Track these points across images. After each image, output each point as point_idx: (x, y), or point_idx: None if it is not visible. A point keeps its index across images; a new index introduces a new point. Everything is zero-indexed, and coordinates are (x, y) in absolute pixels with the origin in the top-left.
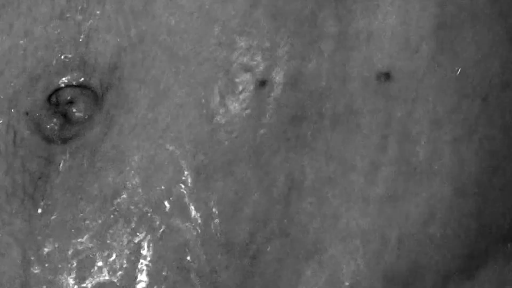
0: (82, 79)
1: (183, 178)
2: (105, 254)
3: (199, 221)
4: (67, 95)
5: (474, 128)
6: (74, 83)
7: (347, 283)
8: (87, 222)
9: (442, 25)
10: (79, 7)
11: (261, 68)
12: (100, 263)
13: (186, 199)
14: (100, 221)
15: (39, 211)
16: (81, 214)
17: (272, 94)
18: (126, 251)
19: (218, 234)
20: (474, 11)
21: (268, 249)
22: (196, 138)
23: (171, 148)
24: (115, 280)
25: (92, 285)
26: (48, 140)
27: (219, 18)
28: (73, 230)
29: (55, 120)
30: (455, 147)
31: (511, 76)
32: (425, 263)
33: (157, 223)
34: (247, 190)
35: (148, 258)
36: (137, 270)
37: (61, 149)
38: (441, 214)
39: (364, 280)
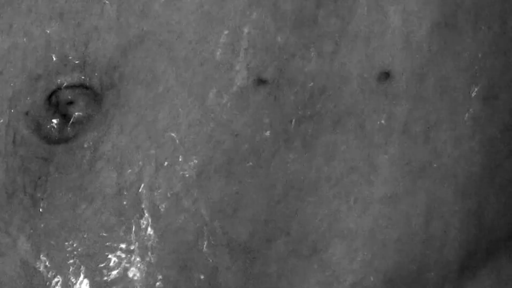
0: (82, 79)
1: (183, 178)
2: (105, 254)
3: (200, 221)
4: (67, 95)
5: (474, 128)
6: (74, 83)
7: (347, 283)
8: (87, 222)
9: (442, 25)
10: (79, 7)
11: (261, 68)
12: (100, 264)
13: (187, 199)
14: (100, 221)
15: (39, 211)
16: (81, 214)
17: (272, 93)
18: (126, 251)
19: (218, 235)
20: (474, 11)
21: (269, 249)
22: (196, 138)
23: (171, 148)
24: (116, 280)
25: (92, 285)
26: (48, 140)
27: (219, 18)
28: (73, 230)
29: (55, 120)
30: (455, 147)
31: (511, 76)
32: (426, 263)
33: (158, 223)
34: (247, 190)
35: (149, 258)
36: (138, 270)
37: (61, 149)
38: (441, 214)
39: (365, 280)
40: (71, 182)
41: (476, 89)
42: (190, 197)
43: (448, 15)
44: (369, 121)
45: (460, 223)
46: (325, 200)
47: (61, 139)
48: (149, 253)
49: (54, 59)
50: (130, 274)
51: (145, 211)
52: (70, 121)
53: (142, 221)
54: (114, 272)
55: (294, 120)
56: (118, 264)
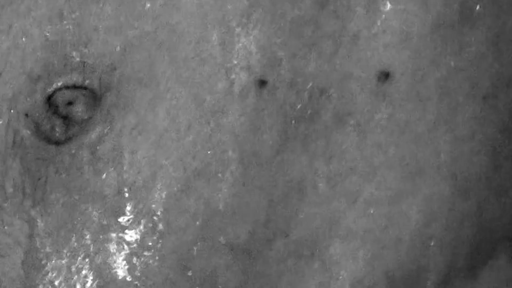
0: (82, 79)
1: (183, 178)
2: (106, 254)
3: (199, 221)
4: (67, 96)
5: (474, 128)
6: (73, 84)
7: (348, 284)
8: (87, 223)
9: (443, 25)
10: (79, 7)
11: (261, 68)
12: (100, 265)
13: (186, 200)
14: (100, 222)
15: (39, 212)
16: (81, 215)
17: (272, 94)
18: (126, 252)
19: (218, 235)
20: (474, 11)
21: (269, 249)
22: (196, 138)
23: (170, 148)
24: (116, 281)
25: (92, 285)
26: (48, 141)
27: (218, 18)
28: (72, 231)
29: (55, 121)
30: (455, 147)
31: (511, 76)
32: (426, 263)
33: (157, 223)
34: (247, 191)
35: (148, 259)
36: (138, 271)
37: (61, 150)
38: (441, 214)
39: (365, 281)
40: (71, 183)
41: (476, 89)
42: (190, 197)
43: (448, 15)
44: (369, 121)
45: (460, 223)
46: (325, 201)
47: (60, 140)
48: (149, 254)
49: (54, 60)
50: (130, 275)
51: (145, 212)
52: (70, 122)
53: (142, 222)
54: (113, 273)
55: (294, 120)
56: (118, 265)
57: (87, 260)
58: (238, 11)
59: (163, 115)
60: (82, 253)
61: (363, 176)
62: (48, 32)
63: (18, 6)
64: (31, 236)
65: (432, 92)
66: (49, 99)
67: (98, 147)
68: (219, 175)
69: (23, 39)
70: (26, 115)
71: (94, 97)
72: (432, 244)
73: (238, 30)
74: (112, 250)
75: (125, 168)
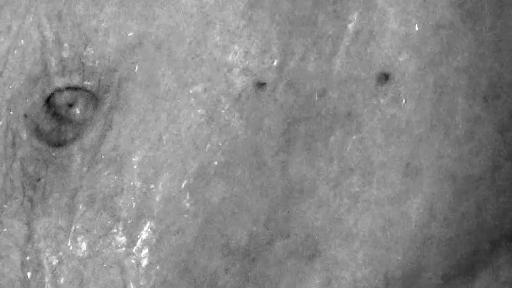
0: (81, 81)
1: (183, 179)
2: (105, 255)
3: (199, 222)
4: (66, 97)
5: (474, 128)
6: (73, 85)
7: (348, 284)
8: (87, 224)
9: (442, 25)
10: (78, 9)
11: (260, 69)
12: (100, 266)
13: (186, 201)
14: (99, 223)
15: (38, 213)
16: (81, 216)
17: (271, 96)
18: (126, 253)
19: (218, 236)
20: (474, 11)
21: (269, 251)
22: (196, 139)
23: (170, 150)
24: (116, 282)
25: (93, 287)
26: (47, 142)
27: (218, 20)
28: (72, 233)
29: (54, 122)
30: (455, 147)
31: (511, 76)
32: (426, 264)
33: (157, 225)
34: (247, 192)
35: (148, 261)
36: (137, 273)
37: (60, 151)
38: (441, 214)
39: (365, 281)
40: (70, 184)
41: (476, 89)
42: (189, 199)
43: (448, 15)
44: (368, 122)
45: (460, 223)
46: (325, 201)
47: (60, 141)
48: (149, 255)
49: (53, 61)
50: (129, 276)
51: (145, 213)
52: (69, 123)
53: (141, 223)
54: (113, 274)
55: (293, 121)
56: (117, 267)
57: (87, 262)
58: (238, 12)
59: (163, 116)
60: (81, 255)
61: (363, 176)
62: (48, 33)
63: (17, 7)
64: (30, 238)
65: (432, 92)
66: (49, 100)
67: (97, 148)
68: (219, 176)
69: (22, 40)
70: (25, 116)
71: (94, 98)
72: (432, 244)
73: (238, 31)
74: (112, 252)
75: (124, 169)
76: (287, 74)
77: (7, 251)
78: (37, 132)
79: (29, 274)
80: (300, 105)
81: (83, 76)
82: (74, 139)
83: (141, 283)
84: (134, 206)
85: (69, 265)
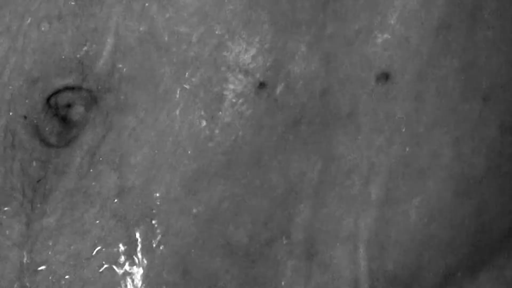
0: (81, 81)
1: (183, 180)
2: (105, 257)
3: (199, 223)
4: (66, 97)
5: (474, 128)
6: (72, 85)
7: (347, 285)
8: (87, 225)
9: (442, 25)
10: (77, 9)
11: (260, 69)
12: (100, 266)
13: (186, 201)
14: (99, 224)
15: (38, 214)
16: (81, 217)
17: (271, 96)
18: (126, 254)
19: (218, 237)
20: (474, 11)
21: (269, 251)
22: (196, 140)
23: (170, 150)
24: (115, 283)
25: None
26: (47, 143)
27: (218, 20)
28: (72, 233)
29: (53, 122)
30: (455, 147)
31: (511, 76)
32: (426, 264)
33: (157, 225)
34: (247, 192)
35: (148, 261)
36: (137, 273)
37: (60, 152)
38: (441, 214)
39: (365, 281)
40: (70, 185)
41: (476, 89)
42: (190, 199)
43: (448, 15)
44: (368, 122)
45: (460, 223)
46: (325, 202)
47: (60, 142)
48: (149, 256)
49: (53, 61)
50: (129, 277)
51: (145, 214)
52: (69, 124)
53: (141, 224)
54: (113, 275)
55: (293, 121)
56: (118, 267)
57: (87, 263)
58: (238, 12)
59: (163, 116)
60: (81, 256)
61: (363, 176)
62: (47, 34)
63: (17, 7)
64: (30, 238)
65: (432, 92)
66: (48, 100)
67: (97, 149)
68: (219, 176)
69: (22, 40)
70: (25, 117)
71: (93, 99)
72: (432, 244)
73: (238, 31)
74: (112, 253)
75: (124, 169)
76: (287, 74)
77: (6, 251)
78: (37, 132)
79: (29, 276)
80: (300, 105)
81: (83, 76)
82: (73, 139)
83: (141, 284)
84: (134, 206)
85: (69, 266)
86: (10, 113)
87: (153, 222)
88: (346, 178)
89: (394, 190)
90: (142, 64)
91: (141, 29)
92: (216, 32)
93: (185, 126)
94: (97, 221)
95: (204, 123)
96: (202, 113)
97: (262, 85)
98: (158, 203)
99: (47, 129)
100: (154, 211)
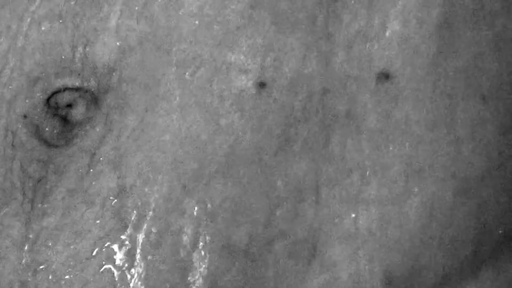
0: (81, 81)
1: (183, 180)
2: (105, 257)
3: (199, 223)
4: (66, 97)
5: (474, 128)
6: (73, 85)
7: (347, 285)
8: (87, 225)
9: (442, 25)
10: (77, 9)
11: (260, 69)
12: (100, 267)
13: (186, 202)
14: (99, 224)
15: (38, 214)
16: (81, 217)
17: (271, 96)
18: (126, 254)
19: (218, 237)
20: (474, 11)
21: (268, 252)
22: (196, 140)
23: (171, 150)
24: (115, 283)
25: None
26: (47, 143)
27: (218, 20)
28: (72, 233)
29: (54, 122)
30: (455, 147)
31: (511, 76)
32: (426, 264)
33: (157, 225)
34: (247, 192)
35: (148, 261)
36: (137, 273)
37: (60, 152)
38: (441, 214)
39: (365, 281)
40: (70, 185)
41: (476, 89)
42: (190, 199)
43: (448, 15)
44: (368, 122)
45: (460, 223)
46: (325, 202)
47: (60, 142)
48: (148, 256)
49: (53, 61)
50: (129, 277)
51: (145, 214)
52: (69, 124)
53: (141, 224)
54: (114, 275)
55: (293, 121)
56: (118, 268)
57: (87, 263)
58: (238, 12)
59: (163, 116)
60: (81, 256)
61: (363, 176)
62: (47, 34)
63: (17, 7)
64: (30, 238)
65: (432, 92)
66: (48, 101)
67: (97, 149)
68: (219, 176)
69: (22, 40)
70: (25, 116)
71: (94, 99)
72: (432, 244)
73: (238, 31)
74: (112, 253)
75: (124, 169)
76: (287, 74)
77: (6, 252)
78: (37, 132)
79: (29, 275)
80: (300, 105)
81: (83, 76)
82: (74, 139)
83: (141, 284)
84: (134, 206)
85: (70, 266)
86: (10, 113)
87: (154, 221)
88: (346, 178)
89: (394, 190)
90: (142, 64)
91: (141, 29)
92: (216, 32)
93: (185, 126)
94: (97, 221)
95: (204, 123)
96: (202, 113)
97: (262, 85)
98: (158, 203)
99: (47, 129)
100: (154, 211)
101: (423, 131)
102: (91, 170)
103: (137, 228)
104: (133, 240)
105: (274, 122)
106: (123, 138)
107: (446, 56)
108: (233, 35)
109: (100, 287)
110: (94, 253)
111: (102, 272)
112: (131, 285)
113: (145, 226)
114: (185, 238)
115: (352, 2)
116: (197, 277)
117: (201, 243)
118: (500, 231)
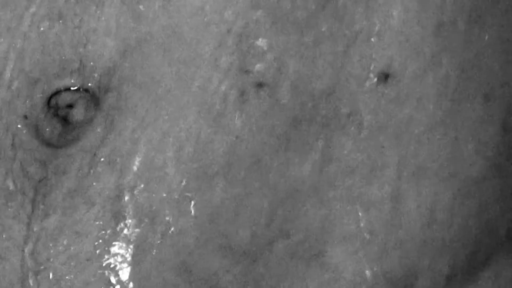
0: (81, 81)
1: (184, 181)
2: (106, 258)
3: (200, 224)
4: (66, 98)
5: (474, 128)
6: (73, 86)
7: (348, 285)
8: (87, 226)
9: (442, 25)
10: (78, 9)
11: (261, 70)
12: (100, 268)
13: (187, 202)
14: (100, 225)
15: (39, 215)
16: (81, 218)
17: (272, 96)
18: (126, 255)
19: (219, 237)
20: (474, 11)
21: (269, 252)
22: (197, 141)
23: (171, 150)
24: (114, 284)
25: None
26: (48, 143)
27: (218, 20)
28: (73, 234)
29: (54, 123)
30: (455, 147)
31: (511, 76)
32: (426, 264)
33: (157, 226)
34: (247, 193)
35: (149, 262)
36: (137, 274)
37: (61, 153)
38: (441, 214)
39: (366, 282)
40: (71, 185)
41: (476, 89)
42: (190, 199)
43: (448, 15)
44: (369, 122)
45: (460, 223)
46: (325, 202)
47: (60, 143)
48: (149, 257)
49: (53, 61)
50: (129, 278)
51: (145, 215)
52: (70, 124)
53: (142, 225)
54: (114, 276)
55: (294, 121)
56: (117, 268)
57: (87, 264)
58: (238, 12)
59: (163, 117)
60: (82, 257)
61: (364, 176)
62: (47, 34)
63: (17, 7)
64: (31, 239)
65: (432, 92)
66: (49, 101)
67: (98, 150)
68: (220, 177)
69: (22, 40)
70: (25, 117)
71: (94, 99)
72: (433, 244)
73: (238, 31)
74: (112, 253)
75: (125, 170)
76: (287, 74)
77: (7, 252)
78: (38, 133)
79: (29, 276)
80: (300, 105)
81: (83, 77)
82: (74, 140)
83: (142, 284)
84: (134, 207)
85: (70, 266)
86: (11, 114)
87: (154, 222)
88: (347, 178)
89: (394, 190)
90: (143, 64)
91: (141, 29)
92: (216, 32)
93: (185, 127)
94: (98, 222)
95: (204, 123)
96: (203, 113)
97: (262, 85)
98: (159, 203)
99: (47, 129)
100: (154, 211)
101: (423, 131)
102: (92, 171)
103: (137, 229)
104: (133, 241)
105: (275, 122)
106: (123, 139)
107: (446, 56)
108: (233, 35)
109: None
110: (95, 253)
111: (102, 273)
112: (132, 286)
113: (146, 227)
114: (185, 239)
115: (353, 2)
116: (197, 277)
117: (202, 244)
118: (501, 231)
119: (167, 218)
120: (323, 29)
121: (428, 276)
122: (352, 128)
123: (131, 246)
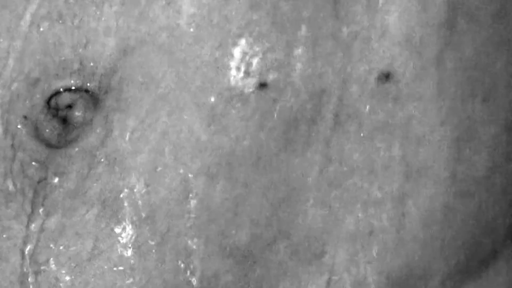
0: (81, 82)
1: (184, 181)
2: (106, 258)
3: (200, 224)
4: (66, 98)
5: (474, 128)
6: (73, 86)
7: (348, 285)
8: (87, 226)
9: (443, 25)
10: (78, 9)
11: (261, 70)
12: (101, 268)
13: (187, 203)
14: (100, 226)
15: (39, 215)
16: (81, 219)
17: (272, 96)
18: (126, 255)
19: (219, 238)
20: (474, 11)
21: (269, 253)
22: (197, 141)
23: (171, 151)
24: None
25: None
26: (48, 144)
27: (218, 20)
28: (73, 235)
29: (54, 124)
30: (456, 147)
31: (511, 76)
32: (427, 264)
33: (158, 227)
34: (248, 193)
35: (149, 262)
36: (137, 274)
37: (61, 153)
38: (442, 214)
39: (366, 282)
40: (70, 186)
41: (476, 89)
42: (190, 200)
43: (448, 15)
44: (369, 122)
45: (460, 223)
46: (325, 203)
47: (60, 143)
48: (149, 257)
49: (53, 62)
50: (130, 278)
51: (145, 215)
52: (69, 125)
53: (142, 225)
54: (115, 277)
55: (294, 121)
56: (118, 268)
57: (87, 264)
58: (238, 13)
59: (163, 117)
60: (82, 257)
61: (364, 177)
62: (47, 34)
63: (17, 7)
64: (30, 240)
65: (432, 92)
66: (48, 102)
67: (98, 150)
68: (220, 177)
69: (22, 41)
70: (25, 117)
71: (94, 100)
72: (433, 244)
73: (238, 32)
74: (112, 254)
75: (125, 170)
76: (288, 74)
77: (7, 253)
78: (37, 133)
79: (29, 277)
80: (300, 105)
81: (83, 77)
82: (74, 140)
83: (142, 285)
84: (135, 207)
85: (70, 267)
86: (10, 114)
87: (154, 222)
88: (347, 179)
89: (394, 190)
90: (143, 65)
91: (142, 29)
92: (217, 32)
93: (186, 127)
94: (98, 222)
95: (204, 123)
96: (203, 113)
97: (262, 85)
98: (158, 204)
99: (47, 130)
100: (154, 212)
101: (424, 131)
102: (92, 171)
103: (137, 229)
104: (133, 242)
105: (275, 122)
106: (123, 139)
107: (446, 56)
108: (233, 35)
109: None
110: (96, 254)
111: (102, 273)
112: (132, 286)
113: (146, 227)
114: (185, 239)
115: (353, 2)
116: (198, 278)
117: (202, 244)
118: (501, 231)
119: (167, 219)
120: (323, 29)
121: (429, 276)
122: (352, 128)
123: (131, 247)
